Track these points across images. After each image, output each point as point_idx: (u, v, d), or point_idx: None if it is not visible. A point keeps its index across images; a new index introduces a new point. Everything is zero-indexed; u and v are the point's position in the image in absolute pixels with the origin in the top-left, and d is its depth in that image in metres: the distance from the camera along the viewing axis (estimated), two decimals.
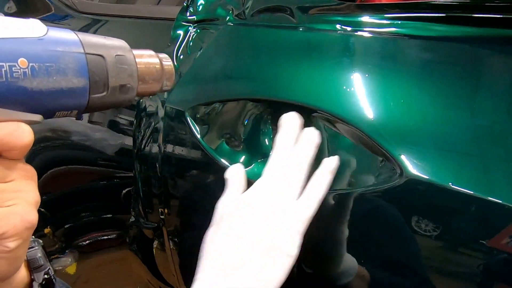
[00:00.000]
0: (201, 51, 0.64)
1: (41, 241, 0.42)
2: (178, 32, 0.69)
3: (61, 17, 1.06)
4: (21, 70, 0.29)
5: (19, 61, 0.29)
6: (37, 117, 0.31)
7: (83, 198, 0.90)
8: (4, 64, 0.28)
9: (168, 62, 0.40)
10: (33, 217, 0.31)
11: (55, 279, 0.42)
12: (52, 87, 0.31)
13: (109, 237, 0.88)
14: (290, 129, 0.47)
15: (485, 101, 0.42)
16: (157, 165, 0.63)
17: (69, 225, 0.92)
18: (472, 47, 0.45)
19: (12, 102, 0.29)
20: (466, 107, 0.42)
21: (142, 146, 0.67)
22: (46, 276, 0.41)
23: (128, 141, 0.75)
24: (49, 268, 0.42)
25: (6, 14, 1.21)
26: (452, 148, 0.40)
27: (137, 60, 0.37)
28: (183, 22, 0.69)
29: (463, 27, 0.45)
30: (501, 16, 0.43)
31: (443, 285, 0.40)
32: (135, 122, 0.70)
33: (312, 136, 0.46)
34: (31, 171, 0.32)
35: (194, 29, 0.67)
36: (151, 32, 0.88)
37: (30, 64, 0.30)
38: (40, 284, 0.40)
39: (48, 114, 0.32)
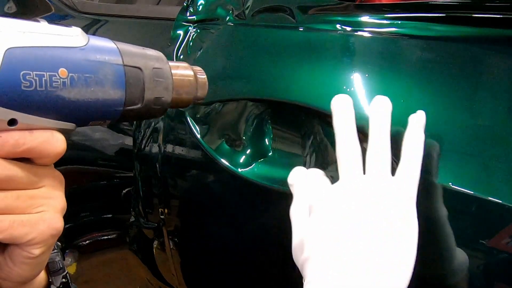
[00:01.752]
0: (201, 51, 0.64)
1: (59, 243, 0.42)
2: (178, 32, 0.69)
3: (61, 17, 1.06)
4: (61, 80, 0.29)
5: (59, 71, 0.29)
6: (71, 126, 0.32)
7: (83, 198, 0.90)
8: (44, 73, 0.28)
9: (202, 76, 0.40)
10: (59, 224, 0.32)
11: (71, 283, 0.42)
12: (89, 97, 0.31)
13: (109, 237, 0.87)
14: (345, 109, 0.43)
15: (485, 101, 0.42)
16: (157, 165, 0.63)
17: (69, 225, 0.91)
18: (472, 47, 0.45)
19: (49, 110, 0.29)
20: (466, 107, 0.42)
21: (142, 146, 0.67)
22: (64, 280, 0.41)
23: (128, 141, 0.75)
24: (67, 273, 0.41)
25: (6, 14, 1.20)
26: (452, 148, 0.40)
27: (172, 72, 0.37)
28: (183, 22, 0.69)
29: (463, 27, 0.45)
30: (501, 16, 0.43)
31: (443, 284, 0.40)
32: (135, 122, 0.70)
33: (384, 102, 0.41)
34: (59, 178, 0.32)
35: (194, 29, 0.67)
36: (151, 32, 0.88)
37: (70, 74, 0.29)
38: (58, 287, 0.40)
39: (81, 123, 0.32)
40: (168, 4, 1.24)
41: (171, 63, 0.37)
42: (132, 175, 0.70)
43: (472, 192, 0.37)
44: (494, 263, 0.37)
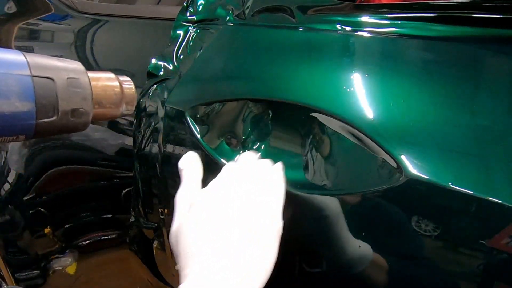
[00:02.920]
0: (201, 51, 0.64)
1: None
2: (178, 32, 0.69)
3: (61, 17, 1.06)
4: None
5: None
6: None
7: (83, 198, 0.90)
8: None
9: (129, 86, 0.39)
10: None
11: None
12: None
13: (109, 237, 0.88)
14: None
15: (485, 101, 0.42)
16: (157, 165, 0.63)
17: (69, 225, 0.91)
18: (472, 47, 0.45)
19: None
20: (466, 107, 0.42)
21: (142, 146, 0.67)
22: None
23: (128, 141, 0.75)
24: None
25: (7, 14, 1.20)
26: (452, 148, 0.40)
27: (92, 83, 0.35)
28: (183, 22, 0.69)
29: (463, 27, 0.45)
30: (501, 16, 0.43)
31: (443, 285, 0.40)
32: (135, 122, 0.70)
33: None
34: None
35: (194, 29, 0.67)
36: (151, 32, 0.88)
37: None
38: None
39: None
40: (168, 4, 1.24)
41: (91, 74, 0.36)
42: (132, 175, 0.70)
43: (472, 192, 0.37)
44: (494, 263, 0.37)
